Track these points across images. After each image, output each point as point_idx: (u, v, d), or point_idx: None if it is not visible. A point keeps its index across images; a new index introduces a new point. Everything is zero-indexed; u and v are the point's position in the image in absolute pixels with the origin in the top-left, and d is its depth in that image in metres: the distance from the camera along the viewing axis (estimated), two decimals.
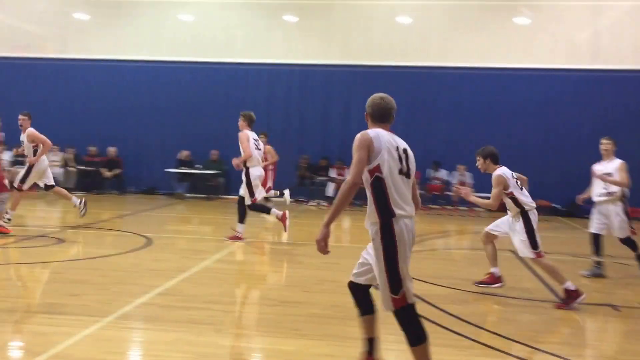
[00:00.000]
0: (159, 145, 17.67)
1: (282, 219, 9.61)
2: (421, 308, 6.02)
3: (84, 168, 17.39)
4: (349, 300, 4.28)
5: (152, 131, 17.67)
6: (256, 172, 9.59)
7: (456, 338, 5.19)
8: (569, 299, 6.34)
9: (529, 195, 6.65)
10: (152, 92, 17.60)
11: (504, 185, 6.51)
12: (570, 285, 6.37)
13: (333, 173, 16.70)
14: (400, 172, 3.80)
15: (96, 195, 16.68)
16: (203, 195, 17.16)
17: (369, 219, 3.81)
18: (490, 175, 6.64)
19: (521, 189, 6.61)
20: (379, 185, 3.74)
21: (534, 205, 6.62)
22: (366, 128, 4.05)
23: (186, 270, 7.46)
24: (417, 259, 8.79)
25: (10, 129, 17.60)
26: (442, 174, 16.65)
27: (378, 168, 3.73)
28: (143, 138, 17.75)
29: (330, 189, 16.43)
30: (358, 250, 4.28)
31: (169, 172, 17.20)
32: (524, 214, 6.54)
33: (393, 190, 3.73)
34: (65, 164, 17.36)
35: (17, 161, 17.49)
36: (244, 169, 9.56)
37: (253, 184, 9.51)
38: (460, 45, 17.12)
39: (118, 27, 18.04)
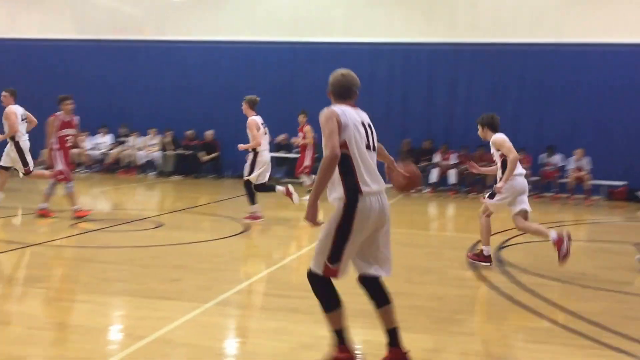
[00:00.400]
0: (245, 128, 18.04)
1: (288, 193, 10.36)
2: (535, 303, 5.82)
3: (182, 152, 18.07)
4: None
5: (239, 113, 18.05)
6: (264, 157, 10.38)
7: (574, 337, 4.96)
8: (479, 258, 7.36)
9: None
10: (249, 73, 17.94)
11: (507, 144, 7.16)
12: (487, 250, 7.32)
13: (437, 157, 16.41)
14: (367, 147, 3.91)
15: (194, 179, 17.31)
16: (300, 180, 17.37)
17: (334, 193, 3.89)
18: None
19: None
20: (346, 162, 3.81)
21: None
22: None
23: (284, 258, 7.59)
24: (528, 250, 8.52)
25: (109, 112, 18.65)
26: (556, 159, 15.95)
27: (345, 144, 3.81)
28: (240, 121, 18.14)
29: (434, 175, 16.16)
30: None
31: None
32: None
33: (361, 166, 3.83)
34: (163, 148, 18.13)
35: (118, 143, 18.46)
36: (252, 154, 10.29)
37: (257, 167, 10.23)
38: (578, 20, 16.24)
39: (215, 7, 18.52)
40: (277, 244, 8.74)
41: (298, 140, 13.94)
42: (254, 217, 10.27)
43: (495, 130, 7.32)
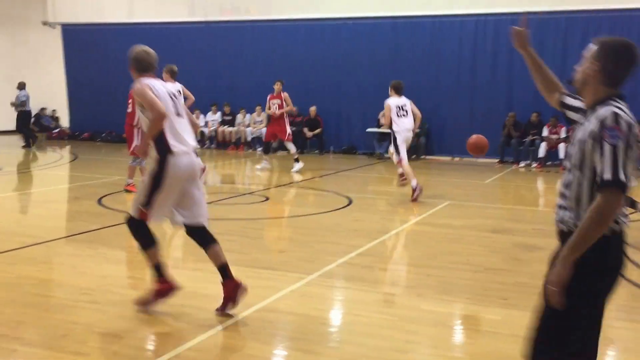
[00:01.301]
0: (359, 104, 18.06)
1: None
2: None
3: None
4: None
5: (352, 90, 18.07)
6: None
7: None
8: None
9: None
10: (352, 49, 17.91)
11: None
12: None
13: (545, 131, 15.75)
14: (176, 114, 4.62)
15: (298, 155, 17.59)
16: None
17: (152, 152, 4.53)
18: None
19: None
20: None
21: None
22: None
23: (387, 232, 7.61)
24: None
25: (218, 90, 19.25)
26: None
27: None
28: (343, 97, 18.24)
29: (542, 149, 15.54)
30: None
31: (370, 131, 17.54)
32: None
33: (170, 130, 4.48)
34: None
35: (225, 121, 19.08)
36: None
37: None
38: None
39: None
40: (379, 218, 8.77)
41: (274, 111, 13.72)
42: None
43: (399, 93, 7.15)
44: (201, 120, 19.24)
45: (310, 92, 18.31)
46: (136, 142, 9.86)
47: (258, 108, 18.53)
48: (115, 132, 20.48)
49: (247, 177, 13.90)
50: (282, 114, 13.63)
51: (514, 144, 16.13)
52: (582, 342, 2.63)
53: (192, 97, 11.67)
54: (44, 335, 4.21)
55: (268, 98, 13.97)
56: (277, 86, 13.94)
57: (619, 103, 2.50)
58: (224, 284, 4.70)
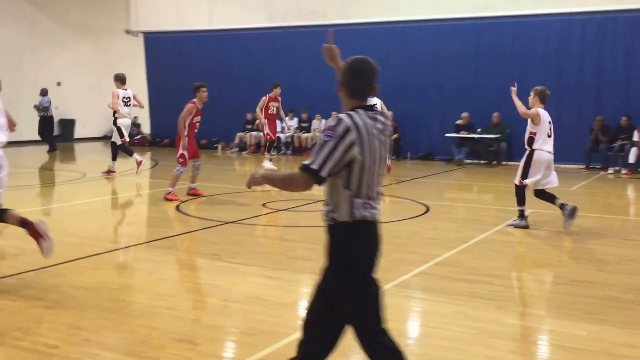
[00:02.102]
0: (438, 109, 17.83)
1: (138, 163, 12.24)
2: None
3: None
4: None
5: (431, 94, 17.86)
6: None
7: None
8: None
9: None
10: (433, 52, 17.70)
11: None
12: None
13: (636, 136, 15.02)
14: None
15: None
16: (483, 161, 16.91)
17: None
18: None
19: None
20: None
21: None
22: None
23: (466, 241, 7.46)
24: None
25: (295, 96, 19.45)
26: None
27: None
28: (422, 101, 18.05)
29: (632, 155, 14.84)
30: None
31: (448, 137, 17.27)
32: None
33: None
34: None
35: (302, 127, 19.24)
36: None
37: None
38: None
39: None
40: (458, 226, 8.60)
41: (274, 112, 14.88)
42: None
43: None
44: (278, 126, 19.50)
45: (387, 97, 18.13)
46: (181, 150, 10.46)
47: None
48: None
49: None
50: (275, 117, 14.87)
51: (602, 149, 15.49)
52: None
53: (141, 104, 13.88)
54: (124, 340, 4.36)
55: (266, 100, 14.77)
56: (278, 89, 14.87)
57: (356, 112, 2.89)
58: (29, 233, 5.49)
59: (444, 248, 7.04)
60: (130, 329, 4.52)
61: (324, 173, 2.84)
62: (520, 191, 8.35)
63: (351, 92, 3.02)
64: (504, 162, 16.66)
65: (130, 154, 13.53)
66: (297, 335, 4.43)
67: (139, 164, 13.42)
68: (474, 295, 5.36)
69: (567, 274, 6.14)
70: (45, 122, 19.23)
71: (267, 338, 4.35)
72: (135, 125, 25.36)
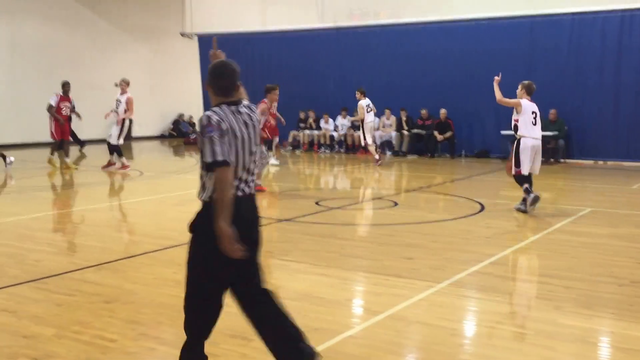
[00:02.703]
0: (491, 107, 17.48)
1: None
2: None
3: (417, 131, 18.20)
4: None
5: (485, 91, 17.50)
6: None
7: None
8: None
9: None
10: (486, 50, 17.38)
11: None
12: None
13: None
14: None
15: (429, 159, 17.38)
16: (541, 159, 16.48)
17: None
18: None
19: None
20: None
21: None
22: None
23: (522, 240, 7.30)
24: None
25: (346, 95, 19.42)
26: None
27: None
28: (475, 99, 17.77)
29: None
30: None
31: (504, 134, 16.93)
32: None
33: None
34: (398, 128, 18.45)
35: (355, 125, 19.21)
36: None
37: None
38: None
39: None
40: (514, 225, 8.43)
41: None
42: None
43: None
44: (330, 125, 19.54)
45: (440, 95, 18.02)
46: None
47: (387, 111, 18.53)
48: None
49: (376, 181, 13.91)
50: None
51: None
52: None
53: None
54: (179, 335, 4.41)
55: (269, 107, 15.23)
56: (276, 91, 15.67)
57: (220, 107, 3.38)
58: None
59: (500, 247, 6.90)
60: None
61: (232, 157, 3.32)
62: (518, 178, 9.18)
63: (216, 90, 3.49)
64: (562, 160, 16.25)
65: (121, 155, 14.54)
66: (350, 332, 4.43)
67: (124, 167, 14.44)
68: (531, 295, 5.24)
69: (629, 275, 5.93)
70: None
71: (320, 335, 4.35)
72: (191, 124, 25.88)
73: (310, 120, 19.86)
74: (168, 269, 6.16)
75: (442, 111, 17.73)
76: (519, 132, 9.15)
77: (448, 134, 17.67)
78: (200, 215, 3.45)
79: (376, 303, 5.12)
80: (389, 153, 18.49)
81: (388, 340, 4.31)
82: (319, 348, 4.11)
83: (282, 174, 14.70)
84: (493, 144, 17.48)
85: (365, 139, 15.39)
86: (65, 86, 15.12)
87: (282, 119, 15.84)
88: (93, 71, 23.15)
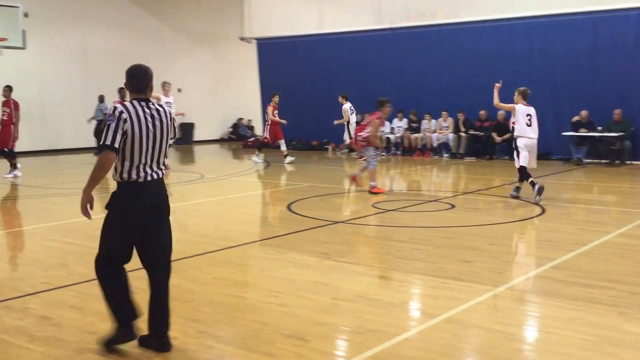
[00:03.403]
0: (550, 107, 17.07)
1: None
2: None
3: (474, 133, 17.90)
4: None
5: (545, 91, 17.12)
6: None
7: None
8: None
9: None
10: (546, 49, 16.98)
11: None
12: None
13: None
14: None
15: (487, 161, 17.07)
16: (604, 161, 15.99)
17: None
18: None
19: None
20: None
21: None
22: None
23: (585, 244, 7.08)
24: None
25: (403, 97, 19.30)
26: None
27: None
28: (534, 100, 17.28)
29: None
30: None
31: (565, 135, 16.50)
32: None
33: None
34: (455, 130, 18.19)
35: (411, 127, 19.05)
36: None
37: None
38: None
39: None
40: (576, 228, 8.18)
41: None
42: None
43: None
44: (387, 127, 19.43)
45: (500, 95, 17.64)
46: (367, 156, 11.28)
47: (444, 113, 18.31)
48: (305, 140, 21.40)
49: (433, 183, 13.76)
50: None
51: None
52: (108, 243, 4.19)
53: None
54: (237, 334, 4.49)
55: (273, 110, 17.34)
56: (276, 98, 17.44)
57: (132, 103, 4.05)
58: None
59: (561, 251, 6.71)
60: (243, 324, 4.65)
61: (116, 144, 3.92)
62: (522, 173, 10.23)
63: (130, 88, 4.17)
64: (628, 162, 15.69)
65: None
66: (406, 335, 4.39)
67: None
68: (594, 300, 5.07)
69: None
70: (100, 127, 20.64)
71: (376, 337, 4.33)
72: (249, 128, 26.21)
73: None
74: (227, 269, 6.25)
75: (500, 112, 17.33)
76: (515, 133, 10.44)
77: (507, 136, 17.27)
78: (113, 194, 4.15)
79: (433, 306, 5.06)
80: (445, 155, 18.26)
81: (444, 344, 4.25)
82: (374, 350, 4.09)
83: (338, 177, 14.71)
84: (554, 146, 17.01)
85: (350, 137, 16.41)
86: (122, 91, 15.61)
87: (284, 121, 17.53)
88: (156, 76, 23.54)
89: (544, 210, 9.23)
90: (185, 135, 24.75)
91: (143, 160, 4.04)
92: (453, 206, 9.85)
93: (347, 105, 17.60)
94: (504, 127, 17.31)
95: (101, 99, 20.65)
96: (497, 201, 10.67)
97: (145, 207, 4.08)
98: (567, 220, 8.74)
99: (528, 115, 10.40)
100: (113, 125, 3.92)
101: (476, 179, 14.09)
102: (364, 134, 11.15)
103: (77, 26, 21.43)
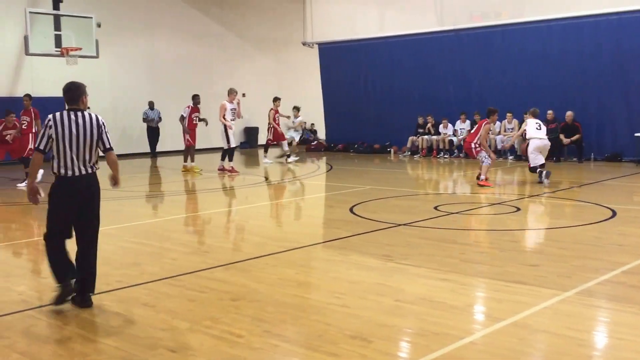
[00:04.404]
0: (622, 107, 16.51)
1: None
2: None
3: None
4: None
5: (616, 91, 16.58)
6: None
7: None
8: None
9: None
10: (611, 48, 16.44)
11: None
12: None
13: None
14: None
15: (554, 163, 16.64)
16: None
17: None
18: None
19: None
20: None
21: None
22: None
23: None
24: None
25: (467, 98, 19.01)
26: None
27: None
28: (604, 100, 16.82)
29: None
30: None
31: (638, 136, 15.90)
32: None
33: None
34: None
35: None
36: None
37: None
38: None
39: None
40: None
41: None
42: None
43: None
44: (449, 129, 19.21)
45: (565, 96, 17.22)
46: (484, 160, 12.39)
47: (509, 115, 17.95)
48: (367, 143, 21.38)
49: (498, 186, 13.51)
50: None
51: None
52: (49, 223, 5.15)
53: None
54: (302, 334, 4.54)
55: (275, 114, 18.37)
56: (278, 103, 18.56)
57: (61, 113, 5.04)
58: None
59: (633, 255, 6.49)
60: (307, 324, 4.70)
61: (41, 147, 4.99)
62: (532, 169, 12.65)
63: (66, 100, 5.14)
64: None
65: (231, 159, 15.40)
66: (471, 339, 4.34)
67: (230, 170, 15.16)
68: None
69: None
70: (151, 131, 21.57)
71: (440, 340, 4.30)
72: (312, 131, 26.38)
73: (429, 125, 19.62)
74: (290, 269, 6.33)
75: (568, 113, 16.88)
76: (527, 136, 12.81)
77: (575, 137, 16.81)
78: (51, 185, 5.10)
79: (498, 310, 4.98)
80: (510, 157, 17.89)
81: (510, 348, 4.18)
82: (438, 353, 4.07)
83: (400, 179, 14.65)
84: (626, 147, 16.45)
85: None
86: (196, 98, 16.01)
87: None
88: (221, 82, 24.23)
89: (614, 214, 8.94)
90: (249, 139, 25.20)
91: (69, 159, 4.99)
92: (518, 209, 9.66)
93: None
94: (572, 128, 16.84)
95: (151, 105, 21.34)
96: (565, 204, 10.40)
97: (72, 196, 5.03)
98: (638, 224, 8.43)
99: (537, 122, 12.71)
100: (42, 131, 5.00)
101: (540, 182, 13.75)
102: (476, 141, 12.24)
103: (145, 34, 22.11)
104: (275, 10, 25.85)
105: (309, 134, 26.51)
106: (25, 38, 16.47)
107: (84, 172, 5.02)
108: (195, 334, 4.49)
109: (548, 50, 17.62)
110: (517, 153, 17.63)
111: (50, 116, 4.98)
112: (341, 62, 22.56)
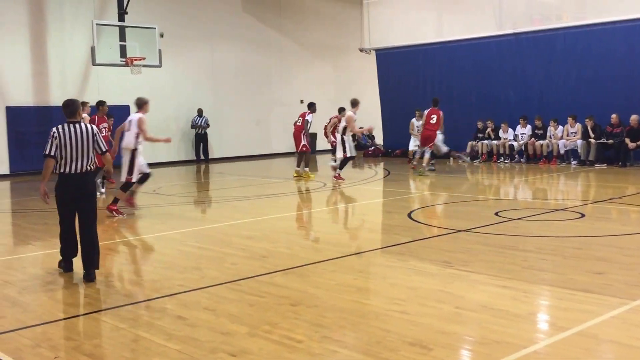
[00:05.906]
0: None
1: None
2: None
3: (604, 139, 16.88)
4: None
5: None
6: None
7: None
8: None
9: None
10: None
11: None
12: None
13: None
14: None
15: (619, 168, 16.07)
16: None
17: None
18: None
19: None
20: None
21: None
22: None
23: None
24: None
25: (527, 102, 18.57)
26: None
27: None
28: None
29: None
30: None
31: None
32: None
33: None
34: (584, 136, 17.25)
35: (536, 134, 18.28)
36: None
37: None
38: None
39: None
40: None
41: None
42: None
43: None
44: (510, 134, 18.80)
45: (631, 100, 16.60)
46: None
47: (570, 119, 17.43)
48: None
49: (561, 192, 13.13)
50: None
51: None
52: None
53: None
54: (361, 340, 4.50)
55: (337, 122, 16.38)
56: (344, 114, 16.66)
57: (62, 125, 6.20)
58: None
59: None
60: (366, 330, 4.66)
61: (52, 153, 6.09)
62: None
63: (66, 114, 6.23)
64: None
65: (342, 167, 15.02)
66: (534, 348, 4.22)
67: (337, 177, 14.79)
68: None
69: None
70: (199, 138, 21.92)
71: (501, 348, 4.19)
72: (370, 137, 26.29)
73: (489, 130, 19.24)
74: (349, 275, 6.30)
75: (633, 117, 16.27)
76: None
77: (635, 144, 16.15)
78: (56, 181, 6.22)
79: (562, 318, 4.82)
80: (574, 162, 17.36)
81: (576, 358, 4.03)
82: None
83: (460, 185, 14.42)
84: None
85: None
86: (312, 106, 16.31)
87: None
88: (280, 89, 24.50)
89: None
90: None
91: (69, 161, 6.11)
92: (583, 215, 9.35)
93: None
94: (638, 132, 16.23)
95: (200, 112, 21.75)
96: (632, 210, 10.01)
97: (71, 189, 6.17)
98: None
99: None
100: (50, 140, 6.09)
101: (608, 186, 13.30)
102: None
103: (206, 43, 22.52)
104: (332, 17, 25.95)
105: (366, 139, 26.44)
106: (92, 49, 17.03)
107: (80, 170, 6.17)
108: (254, 338, 4.52)
109: (612, 53, 17.04)
110: (581, 158, 17.12)
111: (54, 129, 6.10)
112: (399, 67, 22.43)
